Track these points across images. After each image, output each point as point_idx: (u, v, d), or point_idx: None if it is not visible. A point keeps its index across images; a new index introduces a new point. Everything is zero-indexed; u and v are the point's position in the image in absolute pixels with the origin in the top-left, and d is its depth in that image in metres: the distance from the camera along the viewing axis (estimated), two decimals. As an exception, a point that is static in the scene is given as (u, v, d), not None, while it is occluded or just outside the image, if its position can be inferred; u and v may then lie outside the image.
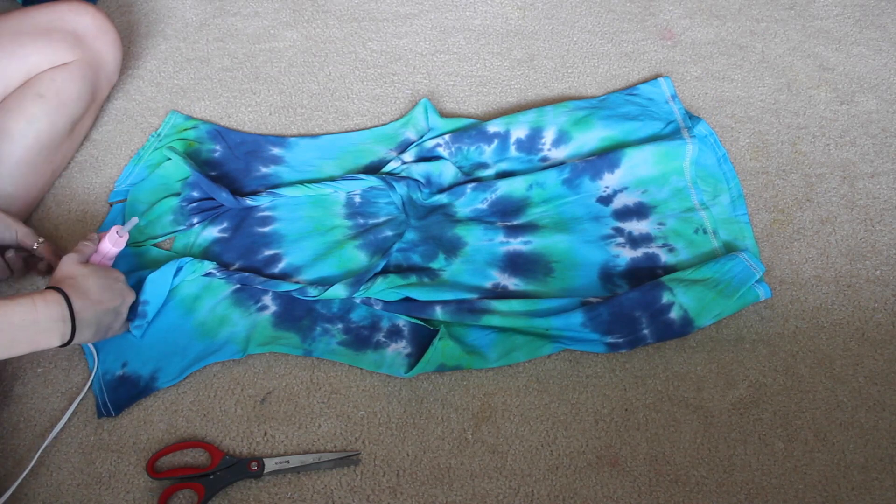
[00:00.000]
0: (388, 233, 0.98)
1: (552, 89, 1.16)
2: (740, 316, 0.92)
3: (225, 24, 1.23)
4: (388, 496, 0.80)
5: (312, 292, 0.90)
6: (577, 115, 1.06)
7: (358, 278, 0.90)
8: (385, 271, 0.93)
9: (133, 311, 0.88)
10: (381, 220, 1.00)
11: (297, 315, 0.91)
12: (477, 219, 0.99)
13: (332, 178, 1.02)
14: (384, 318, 0.91)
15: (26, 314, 0.72)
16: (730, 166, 1.04)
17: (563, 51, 1.21)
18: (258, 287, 0.92)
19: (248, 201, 0.99)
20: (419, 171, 1.01)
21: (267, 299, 0.92)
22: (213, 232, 0.98)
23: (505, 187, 1.01)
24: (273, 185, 1.02)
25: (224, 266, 0.94)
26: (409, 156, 1.03)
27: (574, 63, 1.19)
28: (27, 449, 0.82)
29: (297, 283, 0.93)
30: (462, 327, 0.89)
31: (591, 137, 1.04)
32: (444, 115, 1.11)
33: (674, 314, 0.88)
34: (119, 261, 0.93)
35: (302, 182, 1.02)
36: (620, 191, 1.01)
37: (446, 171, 1.02)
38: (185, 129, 1.08)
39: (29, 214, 0.99)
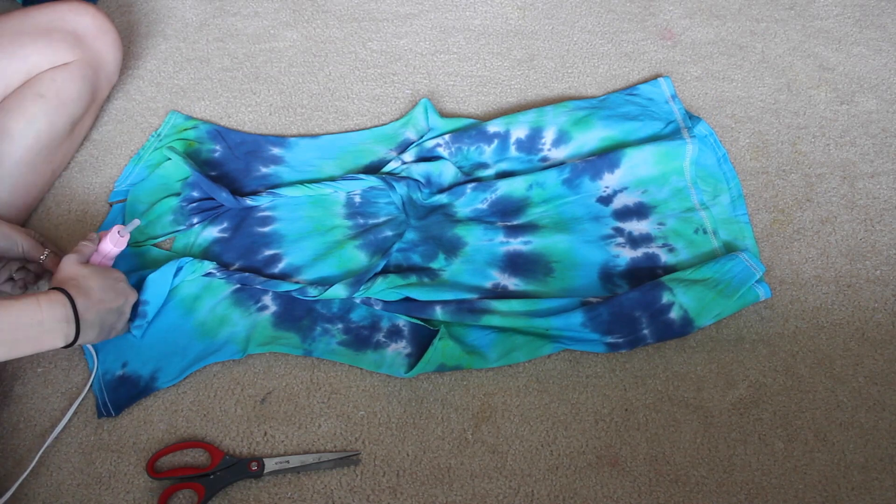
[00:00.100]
0: (388, 233, 0.98)
1: (552, 89, 1.16)
2: (740, 316, 0.92)
3: (225, 24, 1.23)
4: (388, 496, 0.80)
5: (312, 292, 0.90)
6: (577, 115, 1.06)
7: (358, 278, 0.90)
8: (385, 271, 0.93)
9: (133, 312, 0.88)
10: (381, 220, 1.00)
11: (297, 315, 0.91)
12: (477, 219, 0.99)
13: (332, 178, 1.02)
14: (384, 318, 0.91)
15: (31, 315, 0.72)
16: (730, 166, 1.04)
17: (563, 51, 1.21)
18: (258, 287, 0.92)
19: (248, 201, 0.99)
20: (419, 171, 1.01)
21: (267, 299, 0.92)
22: (213, 232, 0.98)
23: (505, 187, 1.01)
24: (273, 185, 1.02)
25: (224, 266, 0.94)
26: (409, 156, 1.03)
27: (574, 63, 1.19)
28: (27, 449, 0.82)
29: (297, 283, 0.93)
30: (462, 327, 0.89)
31: (591, 137, 1.04)
32: (444, 115, 1.11)
33: (674, 314, 0.88)
34: (119, 261, 0.93)
35: (302, 182, 1.02)
36: (620, 191, 1.01)
37: (446, 171, 1.02)
38: (185, 129, 1.08)
39: (29, 215, 0.99)
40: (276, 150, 1.07)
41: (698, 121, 1.06)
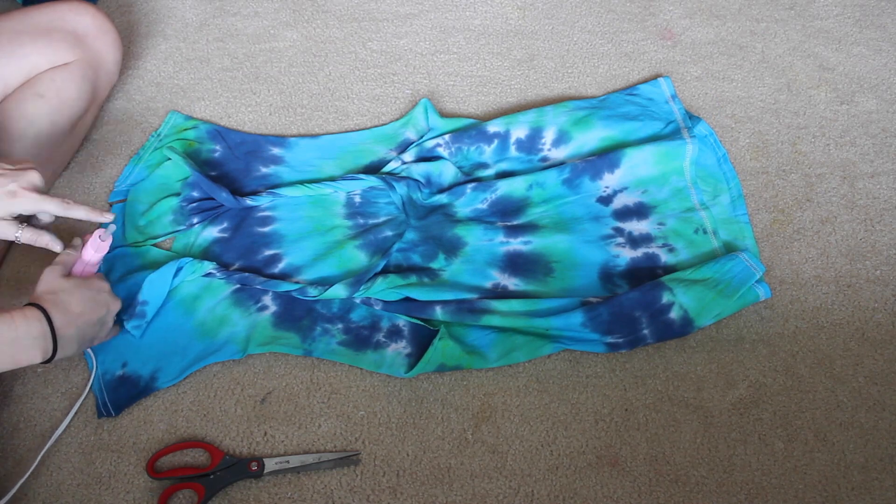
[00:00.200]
0: (388, 233, 0.98)
1: (552, 89, 1.16)
2: (740, 316, 0.92)
3: (225, 24, 1.23)
4: (388, 496, 0.80)
5: (312, 292, 0.90)
6: (577, 115, 1.06)
7: (358, 278, 0.90)
8: (385, 271, 0.93)
9: (132, 312, 0.88)
10: (381, 220, 1.00)
11: (297, 315, 0.91)
12: (477, 219, 0.99)
13: (332, 178, 1.02)
14: (384, 318, 0.91)
15: (6, 332, 0.70)
16: (730, 166, 1.04)
17: (563, 51, 1.21)
18: (258, 287, 0.92)
19: (248, 201, 0.99)
20: (419, 171, 1.01)
21: (267, 299, 0.92)
22: (213, 232, 0.98)
23: (505, 187, 1.01)
24: (273, 185, 1.02)
25: (224, 266, 0.94)
26: (409, 156, 1.03)
27: (574, 63, 1.19)
28: (27, 449, 0.82)
29: (297, 283, 0.93)
30: (462, 327, 0.89)
31: (591, 137, 1.04)
32: (444, 115, 1.11)
33: (674, 314, 0.88)
34: (119, 261, 0.93)
35: (302, 182, 1.02)
36: (620, 191, 1.01)
37: (446, 171, 1.02)
38: (185, 129, 1.08)
39: (29, 214, 0.99)
40: (276, 150, 1.07)
41: (698, 121, 1.06)
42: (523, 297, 0.92)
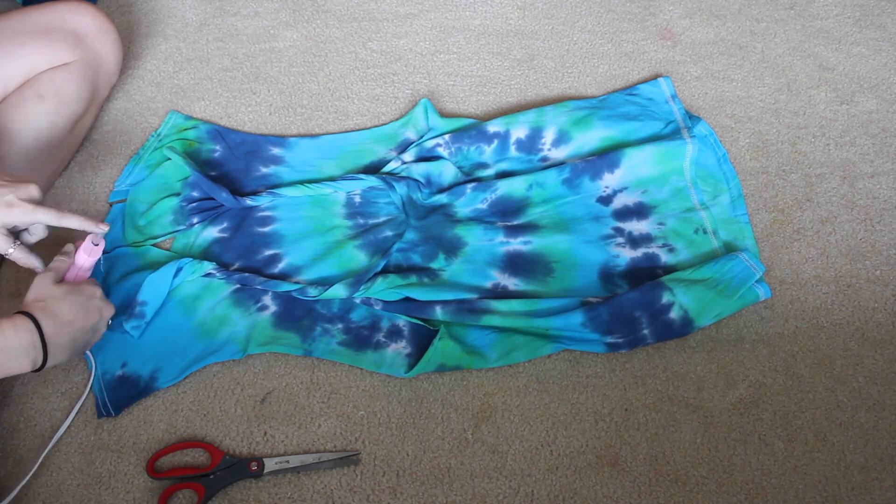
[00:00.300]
0: (388, 233, 0.98)
1: (552, 89, 1.16)
2: (740, 316, 0.92)
3: (225, 24, 1.23)
4: (388, 496, 0.80)
5: (312, 292, 0.90)
6: (577, 115, 1.06)
7: (358, 278, 0.90)
8: (385, 271, 0.93)
9: (131, 312, 0.88)
10: (381, 220, 1.00)
11: (297, 315, 0.91)
12: (477, 219, 0.99)
13: (332, 178, 1.02)
14: (384, 318, 0.91)
15: None
16: (730, 166, 1.04)
17: (563, 51, 1.21)
18: (258, 287, 0.92)
19: (248, 201, 0.99)
20: (419, 171, 1.01)
21: (267, 299, 0.92)
22: (213, 232, 0.98)
23: (505, 187, 1.01)
24: (273, 185, 1.02)
25: (224, 266, 0.94)
26: (409, 156, 1.03)
27: (574, 63, 1.19)
28: (27, 449, 0.82)
29: (297, 283, 0.93)
30: (462, 327, 0.89)
31: (591, 137, 1.04)
32: (444, 115, 1.11)
33: (674, 314, 0.88)
34: (119, 261, 0.93)
35: (302, 182, 1.02)
36: (620, 191, 1.01)
37: (446, 171, 1.02)
38: (185, 129, 1.08)
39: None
40: (276, 150, 1.07)
41: (698, 121, 1.06)
42: (523, 297, 0.92)
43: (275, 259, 0.96)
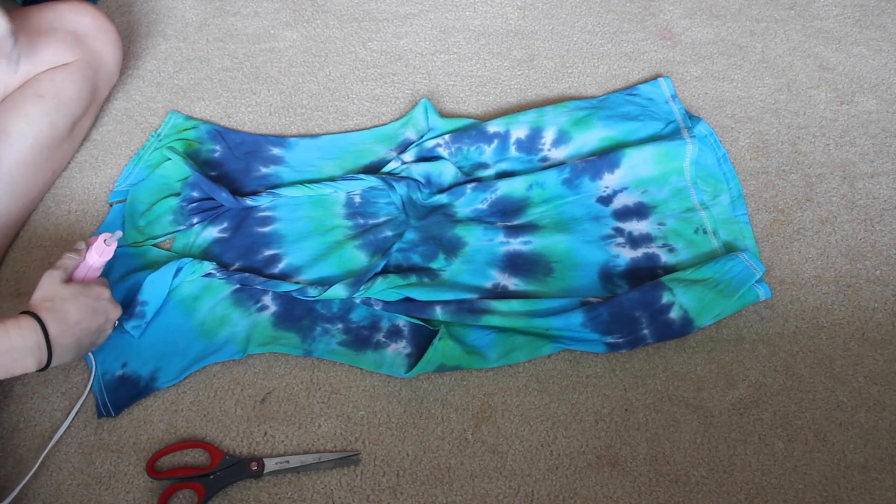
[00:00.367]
0: (388, 233, 0.98)
1: (552, 89, 1.16)
2: (740, 316, 0.92)
3: (225, 24, 1.23)
4: (388, 496, 0.80)
5: (312, 292, 0.90)
6: (577, 115, 1.06)
7: (358, 278, 0.90)
8: (385, 271, 0.93)
9: (131, 311, 0.88)
10: (381, 220, 1.00)
11: (297, 315, 0.91)
12: (477, 219, 0.99)
13: (332, 178, 1.02)
14: (384, 319, 0.91)
15: None
16: (730, 166, 1.04)
17: (563, 51, 1.21)
18: (258, 287, 0.92)
19: (248, 201, 0.99)
20: (419, 171, 1.01)
21: (267, 299, 0.92)
22: (213, 232, 0.98)
23: (505, 187, 1.01)
24: (273, 185, 1.02)
25: (224, 266, 0.94)
26: (409, 156, 1.03)
27: (574, 63, 1.19)
28: (27, 449, 0.82)
29: (297, 283, 0.93)
30: (462, 327, 0.89)
31: (591, 137, 1.04)
32: (444, 115, 1.11)
33: (674, 314, 0.88)
34: (119, 261, 0.93)
35: (302, 182, 1.02)
36: (620, 191, 1.01)
37: (446, 171, 1.02)
38: (185, 129, 1.08)
39: (28, 215, 0.99)
40: (276, 150, 1.07)
41: (698, 121, 1.06)
42: (523, 297, 0.92)
43: (275, 259, 0.96)
